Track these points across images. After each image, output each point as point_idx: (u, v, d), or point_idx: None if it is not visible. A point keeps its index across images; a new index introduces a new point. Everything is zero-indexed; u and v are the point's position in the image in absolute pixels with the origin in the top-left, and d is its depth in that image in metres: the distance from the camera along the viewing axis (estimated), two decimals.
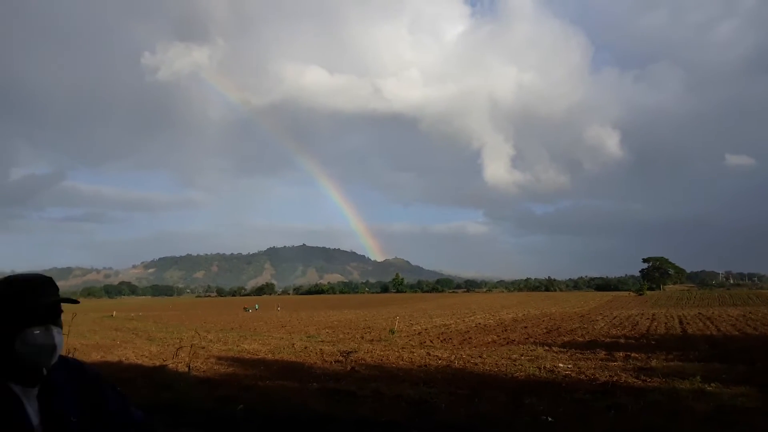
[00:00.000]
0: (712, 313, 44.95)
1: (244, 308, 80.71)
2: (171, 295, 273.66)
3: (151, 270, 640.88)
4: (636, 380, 13.23)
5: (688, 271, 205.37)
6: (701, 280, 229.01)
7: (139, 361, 18.93)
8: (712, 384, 11.95)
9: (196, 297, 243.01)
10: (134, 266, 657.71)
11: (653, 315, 43.26)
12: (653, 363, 16.32)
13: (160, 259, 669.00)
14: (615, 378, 13.52)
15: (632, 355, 18.36)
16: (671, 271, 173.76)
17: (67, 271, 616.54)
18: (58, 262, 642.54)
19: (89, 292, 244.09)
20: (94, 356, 20.12)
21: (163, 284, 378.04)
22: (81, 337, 28.89)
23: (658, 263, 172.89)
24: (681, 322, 34.77)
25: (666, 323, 34.61)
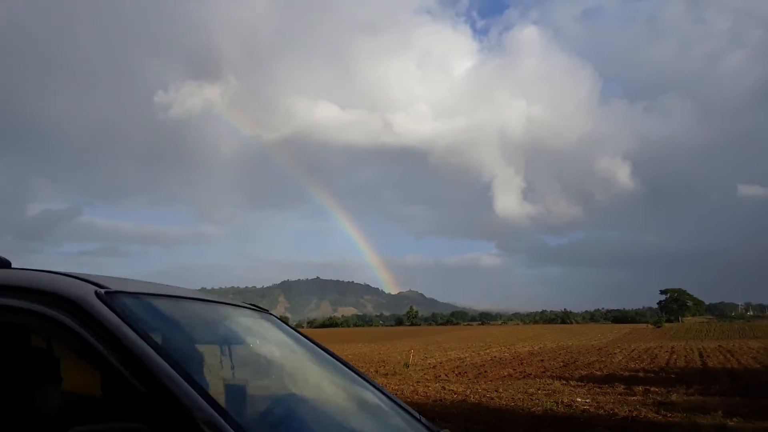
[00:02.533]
0: (733, 345, 44.18)
1: None
2: None
3: None
4: (656, 415, 12.99)
5: (707, 302, 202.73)
6: (720, 311, 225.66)
7: None
8: (734, 419, 11.72)
9: None
10: None
11: (672, 348, 42.59)
12: (673, 397, 16.04)
13: None
14: (635, 413, 13.28)
15: (652, 389, 18.06)
16: (690, 303, 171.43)
17: None
18: None
19: None
20: None
21: None
22: None
23: (676, 295, 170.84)
24: (701, 355, 34.19)
25: (686, 356, 34.06)
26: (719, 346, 44.11)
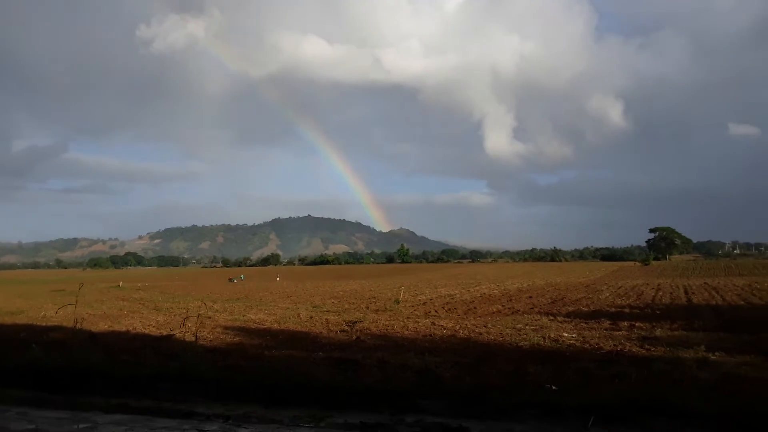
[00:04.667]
0: (718, 282, 45.04)
1: (229, 279, 78.84)
2: (177, 266, 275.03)
3: (156, 241, 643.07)
4: (640, 349, 13.29)
5: (695, 241, 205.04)
6: (707, 250, 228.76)
7: (147, 331, 19.12)
8: (716, 353, 11.99)
9: (202, 267, 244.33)
10: (140, 237, 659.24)
11: (658, 285, 43.36)
12: (658, 332, 16.39)
13: (165, 230, 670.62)
14: (619, 347, 13.58)
15: (637, 324, 18.43)
16: (678, 242, 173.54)
17: (74, 242, 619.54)
18: (63, 233, 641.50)
19: (96, 262, 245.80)
20: (102, 326, 20.32)
21: (169, 255, 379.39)
22: (88, 307, 29.18)
23: (664, 233, 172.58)
24: (686, 292, 34.86)
25: (671, 293, 34.71)
26: (704, 283, 44.96)
